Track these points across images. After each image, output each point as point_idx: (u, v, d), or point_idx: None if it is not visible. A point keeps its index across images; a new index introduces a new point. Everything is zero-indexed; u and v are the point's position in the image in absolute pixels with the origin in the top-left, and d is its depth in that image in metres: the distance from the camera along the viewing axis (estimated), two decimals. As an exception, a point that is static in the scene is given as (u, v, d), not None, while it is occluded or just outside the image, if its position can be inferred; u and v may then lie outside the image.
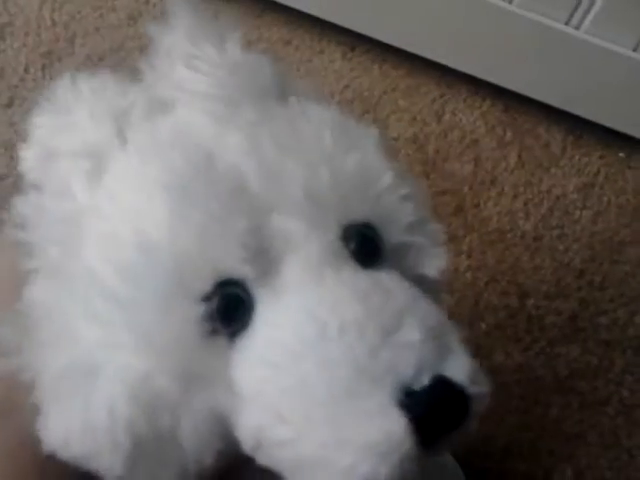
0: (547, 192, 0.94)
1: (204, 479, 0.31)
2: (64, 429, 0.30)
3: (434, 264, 0.35)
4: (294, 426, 0.29)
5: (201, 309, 0.30)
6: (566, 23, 0.88)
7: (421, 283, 0.34)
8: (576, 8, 0.87)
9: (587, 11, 0.87)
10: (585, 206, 0.93)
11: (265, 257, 0.31)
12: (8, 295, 0.33)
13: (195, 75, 0.34)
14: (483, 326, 0.84)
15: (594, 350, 0.85)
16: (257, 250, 0.30)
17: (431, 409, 0.28)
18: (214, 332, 0.30)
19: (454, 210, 0.90)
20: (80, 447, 0.30)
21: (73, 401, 0.30)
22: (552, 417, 0.81)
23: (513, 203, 0.92)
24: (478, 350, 0.81)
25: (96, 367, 0.30)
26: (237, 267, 0.30)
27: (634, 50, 0.88)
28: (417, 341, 0.29)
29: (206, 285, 0.30)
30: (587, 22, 0.87)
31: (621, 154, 0.98)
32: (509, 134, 0.96)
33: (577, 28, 0.88)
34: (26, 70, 0.90)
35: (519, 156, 0.95)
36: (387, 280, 0.32)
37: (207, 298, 0.30)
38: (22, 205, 0.33)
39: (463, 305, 0.84)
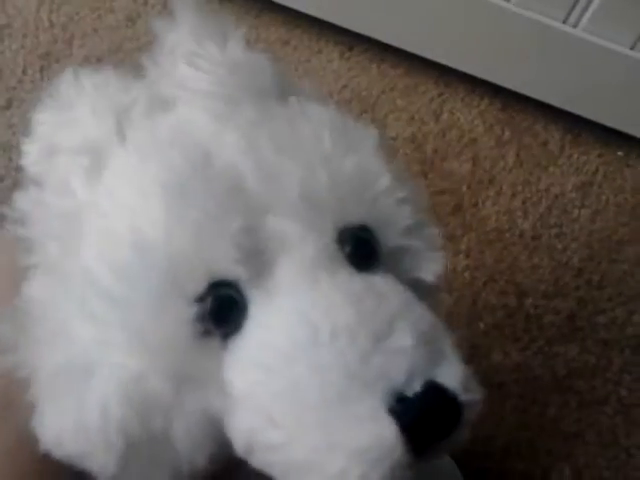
0: (545, 191, 0.93)
1: None
2: (58, 427, 0.30)
3: (431, 268, 0.35)
4: (285, 430, 0.29)
5: (194, 310, 0.30)
6: (564, 22, 0.88)
7: (417, 287, 0.34)
8: (574, 6, 0.86)
9: (585, 9, 0.86)
10: (583, 205, 0.93)
11: (259, 258, 0.31)
12: (7, 291, 0.33)
13: (197, 73, 0.34)
14: (481, 325, 0.83)
15: (592, 349, 0.85)
16: (251, 251, 0.30)
17: (422, 416, 0.28)
18: (207, 333, 0.30)
19: (452, 209, 0.90)
20: (73, 446, 0.30)
21: (67, 400, 0.30)
22: (550, 416, 0.81)
23: (511, 202, 0.92)
24: (476, 349, 0.81)
25: (91, 366, 0.30)
26: (231, 268, 0.30)
27: (632, 48, 0.88)
28: (409, 347, 0.29)
29: (200, 286, 0.30)
30: (585, 20, 0.87)
31: (619, 153, 0.98)
32: (507, 133, 0.96)
33: (575, 26, 0.88)
34: (24, 72, 0.90)
35: (517, 155, 0.95)
36: (381, 284, 0.32)
37: (200, 299, 0.30)
38: (22, 201, 0.33)
39: (461, 304, 0.84)
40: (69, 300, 0.31)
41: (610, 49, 0.88)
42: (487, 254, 0.88)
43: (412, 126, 0.95)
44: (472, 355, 0.29)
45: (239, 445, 0.31)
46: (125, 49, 0.93)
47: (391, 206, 0.34)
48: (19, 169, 0.34)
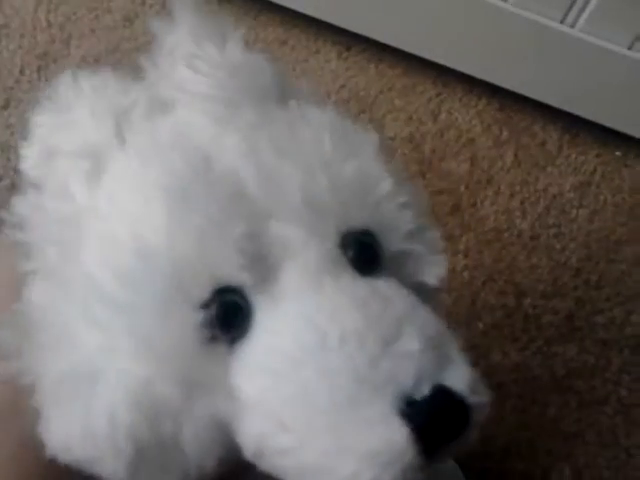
0: (543, 191, 0.93)
1: None
2: (65, 434, 0.30)
3: (433, 272, 0.35)
4: (296, 434, 0.29)
5: (200, 316, 0.30)
6: (561, 22, 0.88)
7: (420, 291, 0.34)
8: (571, 7, 0.87)
9: (582, 9, 0.86)
10: (582, 205, 0.93)
11: (263, 264, 0.31)
12: (8, 296, 0.32)
13: (196, 76, 0.34)
14: (480, 326, 0.83)
15: (591, 349, 0.85)
16: (255, 256, 0.30)
17: (432, 419, 0.28)
18: (213, 339, 0.30)
19: (451, 209, 0.90)
20: (81, 452, 0.30)
21: (73, 406, 0.30)
22: (550, 416, 0.81)
23: (510, 202, 0.92)
24: (475, 350, 0.81)
25: (96, 372, 0.30)
26: (235, 274, 0.30)
27: (629, 48, 0.88)
28: (417, 351, 0.29)
29: (204, 292, 0.30)
30: (582, 20, 0.87)
31: (617, 152, 0.98)
32: (505, 133, 0.96)
33: (572, 26, 0.88)
34: (22, 72, 0.90)
35: (515, 155, 0.95)
36: (386, 288, 0.32)
37: (206, 305, 0.30)
38: (21, 205, 0.33)
39: (460, 305, 0.84)
40: (71, 306, 0.31)
41: (608, 49, 0.88)
42: (485, 254, 0.88)
43: (410, 126, 0.95)
44: (471, 355, 0.29)
45: (248, 449, 0.30)
46: (123, 49, 0.93)
47: (393, 211, 0.34)
48: (17, 170, 0.34)
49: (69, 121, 0.33)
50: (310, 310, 0.30)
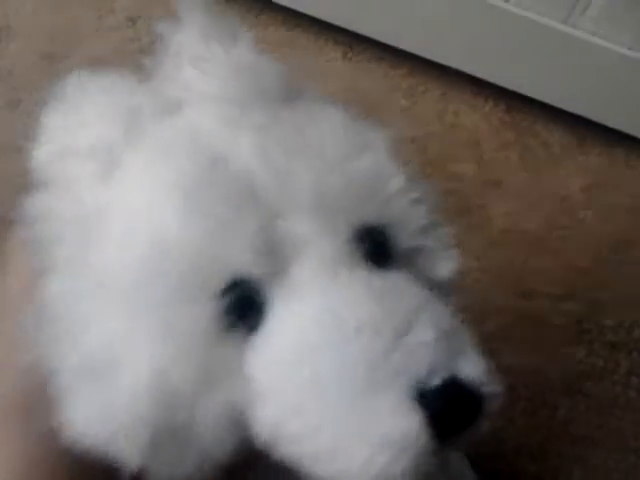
0: (551, 193, 0.93)
1: (215, 475, 0.32)
2: (84, 417, 0.31)
3: (446, 266, 0.36)
4: (311, 421, 0.30)
5: (217, 305, 0.30)
6: (564, 22, 0.88)
7: (432, 285, 0.34)
8: (574, 7, 0.87)
9: (584, 10, 0.87)
10: (589, 206, 0.93)
11: (278, 257, 0.31)
12: (27, 289, 0.33)
13: (204, 77, 0.34)
14: (489, 328, 0.83)
15: (600, 352, 0.85)
16: (269, 251, 0.31)
17: (445, 407, 0.29)
18: (230, 328, 0.31)
19: (458, 211, 0.90)
20: (99, 437, 0.30)
21: (92, 393, 0.31)
22: (560, 419, 0.81)
23: (517, 204, 0.92)
24: (484, 352, 0.81)
25: (114, 361, 0.30)
26: (250, 267, 0.31)
27: (629, 49, 0.89)
28: (430, 341, 0.30)
29: (220, 284, 0.30)
30: (585, 21, 0.87)
31: (623, 154, 0.98)
32: (511, 135, 0.96)
33: (575, 27, 0.88)
34: (25, 73, 0.89)
35: (522, 157, 0.95)
36: (400, 281, 0.32)
37: (222, 295, 0.30)
38: (33, 204, 0.33)
39: (469, 307, 0.84)
40: (90, 297, 0.31)
41: (612, 50, 0.88)
42: (494, 256, 0.87)
43: (415, 128, 0.94)
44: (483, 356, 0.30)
45: (263, 437, 0.31)
46: (126, 50, 0.92)
47: (405, 206, 0.34)
48: (27, 170, 0.34)
49: (78, 122, 0.34)
50: (326, 299, 0.31)
